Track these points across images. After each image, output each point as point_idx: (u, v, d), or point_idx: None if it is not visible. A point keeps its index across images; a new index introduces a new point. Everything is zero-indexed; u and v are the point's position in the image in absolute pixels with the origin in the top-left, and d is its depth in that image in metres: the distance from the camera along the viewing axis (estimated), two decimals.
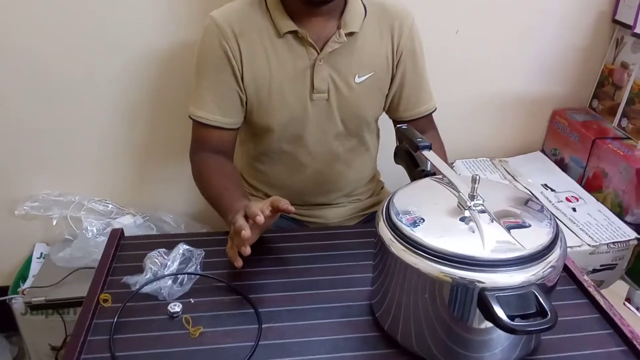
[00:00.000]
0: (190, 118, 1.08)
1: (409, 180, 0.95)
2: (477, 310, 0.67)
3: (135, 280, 0.86)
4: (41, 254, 1.53)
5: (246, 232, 0.82)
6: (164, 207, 1.57)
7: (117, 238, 0.98)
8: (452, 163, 1.55)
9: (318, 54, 1.03)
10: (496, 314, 0.62)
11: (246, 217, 0.87)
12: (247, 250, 0.84)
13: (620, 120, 1.50)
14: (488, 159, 1.60)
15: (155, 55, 1.37)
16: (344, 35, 1.03)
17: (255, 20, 1.03)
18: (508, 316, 0.63)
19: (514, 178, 1.51)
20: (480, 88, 1.56)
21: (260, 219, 0.84)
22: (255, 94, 1.05)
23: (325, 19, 1.03)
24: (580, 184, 1.49)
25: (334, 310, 0.84)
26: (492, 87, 1.57)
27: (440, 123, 1.23)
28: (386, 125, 1.25)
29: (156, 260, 0.89)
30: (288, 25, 1.01)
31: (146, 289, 0.85)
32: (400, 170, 1.08)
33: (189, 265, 0.90)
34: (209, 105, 1.05)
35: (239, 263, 0.88)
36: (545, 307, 0.63)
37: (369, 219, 1.28)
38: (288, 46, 1.03)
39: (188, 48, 1.33)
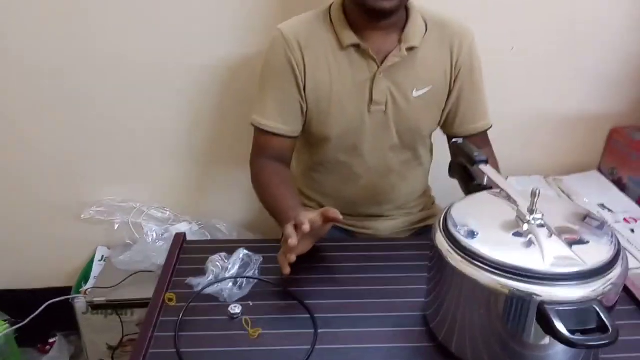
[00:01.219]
0: (253, 125, 1.13)
1: (461, 197, 0.96)
2: (534, 323, 0.67)
3: (198, 282, 0.91)
4: (102, 256, 1.60)
5: (292, 241, 0.86)
6: (218, 215, 1.62)
7: (180, 242, 1.03)
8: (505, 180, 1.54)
9: (378, 67, 1.06)
10: (556, 328, 0.62)
11: (296, 226, 0.90)
12: (292, 258, 0.88)
13: None
14: (542, 177, 1.58)
15: (218, 66, 1.42)
16: (404, 49, 1.05)
17: (319, 33, 1.07)
18: (567, 331, 0.63)
19: (569, 197, 1.49)
20: (535, 104, 1.55)
21: (306, 227, 0.87)
22: (315, 103, 1.10)
23: (386, 33, 1.06)
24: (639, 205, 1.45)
25: (388, 320, 0.86)
26: (547, 103, 1.56)
27: (494, 139, 1.23)
28: (439, 143, 1.26)
29: (217, 264, 0.93)
30: (351, 38, 1.05)
31: (208, 290, 0.89)
32: (452, 187, 1.09)
33: (248, 270, 0.94)
34: (272, 113, 1.10)
35: (286, 270, 0.91)
36: (607, 322, 0.63)
37: (420, 233, 1.28)
38: (350, 59, 1.07)
39: (250, 59, 1.39)
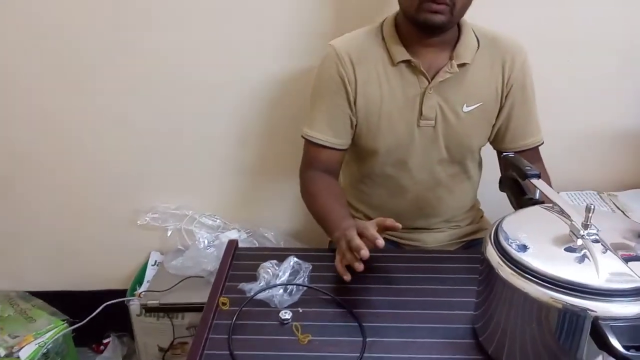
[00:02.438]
0: (303, 137, 1.16)
1: (509, 211, 0.96)
2: (587, 339, 0.66)
3: (250, 287, 0.94)
4: (155, 261, 1.66)
5: (366, 252, 0.87)
6: (266, 224, 1.65)
7: (233, 248, 1.07)
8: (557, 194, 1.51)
9: (429, 82, 1.08)
10: (611, 344, 0.62)
11: (360, 235, 0.91)
12: (362, 267, 0.89)
13: None
14: (595, 193, 1.54)
15: (269, 80, 1.46)
16: (455, 66, 1.06)
17: (371, 49, 1.10)
18: (622, 347, 0.62)
19: (624, 213, 1.45)
20: (590, 119, 1.52)
21: (382, 243, 0.87)
22: (365, 118, 1.12)
23: (438, 50, 1.08)
24: None
25: (437, 331, 0.86)
26: (602, 118, 1.52)
27: (546, 153, 1.22)
28: (488, 156, 1.26)
29: (269, 270, 0.96)
30: (402, 54, 1.07)
31: (260, 296, 0.92)
32: (501, 201, 1.08)
33: (298, 277, 0.96)
34: (322, 126, 1.13)
35: (348, 277, 0.93)
36: None
37: (467, 246, 1.28)
38: (400, 74, 1.09)
39: (302, 74, 1.43)
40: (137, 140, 1.55)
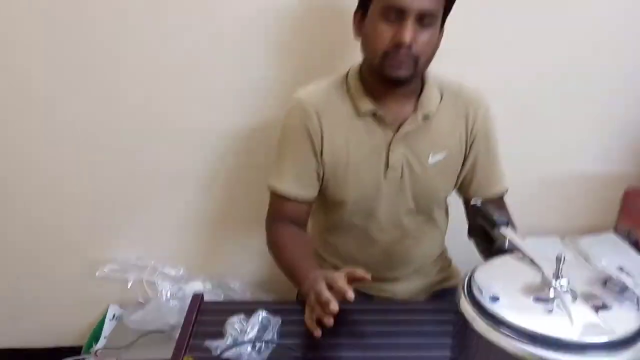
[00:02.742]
0: (269, 189, 1.14)
1: (477, 257, 0.95)
2: None
3: (216, 345, 0.89)
4: (114, 315, 1.59)
5: (335, 306, 0.84)
6: (231, 274, 1.62)
7: (198, 303, 1.02)
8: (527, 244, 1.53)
9: (394, 134, 1.08)
10: None
11: (329, 286, 0.89)
12: (331, 322, 0.86)
13: None
14: (558, 238, 1.57)
15: (234, 130, 1.46)
16: (420, 117, 1.08)
17: (336, 101, 1.10)
18: None
19: (587, 259, 1.47)
20: (549, 165, 1.57)
21: (351, 296, 0.85)
22: (332, 169, 1.11)
23: (403, 101, 1.09)
24: None
25: None
26: (559, 164, 1.57)
27: (508, 199, 1.23)
28: (455, 203, 1.27)
29: (236, 326, 0.92)
30: (367, 106, 1.08)
31: (227, 354, 0.88)
32: (468, 246, 1.08)
33: (267, 333, 0.92)
34: (288, 178, 1.12)
35: (318, 332, 0.90)
36: None
37: (438, 295, 1.27)
38: (366, 126, 1.09)
39: (266, 125, 1.43)
40: (96, 186, 1.51)
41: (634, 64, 1.47)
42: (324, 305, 0.86)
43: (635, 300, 0.73)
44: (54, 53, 1.35)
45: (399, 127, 1.08)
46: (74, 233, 1.55)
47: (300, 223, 1.17)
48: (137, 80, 1.39)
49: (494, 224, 0.88)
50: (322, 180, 1.13)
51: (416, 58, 0.99)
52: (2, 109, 1.40)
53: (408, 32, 0.95)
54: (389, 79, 1.02)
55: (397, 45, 0.97)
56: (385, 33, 0.98)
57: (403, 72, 1.00)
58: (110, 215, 1.54)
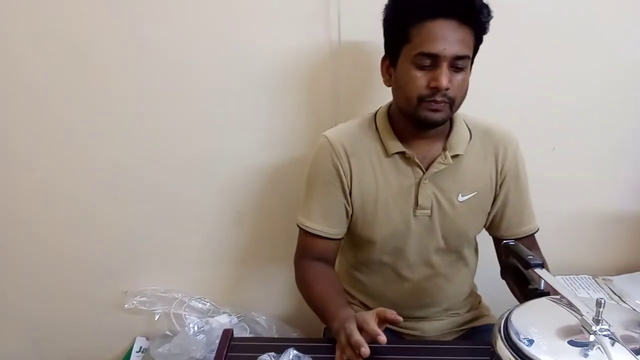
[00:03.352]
0: (298, 226, 1.15)
1: (507, 294, 0.94)
2: None
3: None
4: (140, 347, 1.59)
5: (367, 350, 0.84)
6: (257, 308, 1.61)
7: (228, 339, 1.02)
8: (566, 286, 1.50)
9: (423, 173, 1.09)
10: None
11: (359, 329, 0.88)
12: None
13: None
14: (590, 277, 1.54)
15: (263, 167, 1.48)
16: (449, 157, 1.08)
17: (365, 141, 1.11)
18: None
19: (621, 299, 1.44)
20: (578, 204, 1.54)
21: (384, 340, 0.85)
22: (361, 208, 1.12)
23: (431, 142, 1.09)
24: None
25: None
26: (591, 202, 1.55)
27: (539, 238, 1.22)
28: (483, 239, 1.26)
29: None
30: (396, 146, 1.08)
31: None
32: (498, 284, 1.07)
33: None
34: (317, 216, 1.13)
35: None
36: None
37: (467, 334, 1.25)
38: (395, 165, 1.10)
39: (296, 162, 1.44)
40: (126, 220, 1.53)
41: None
42: (355, 348, 0.85)
43: None
44: (70, 85, 1.39)
45: (428, 167, 1.09)
46: (105, 265, 1.56)
47: (329, 260, 1.17)
48: (166, 112, 1.42)
49: (528, 265, 0.87)
50: (350, 218, 1.14)
51: (452, 101, 1.00)
52: (36, 140, 1.44)
53: (444, 77, 0.96)
54: (425, 123, 1.03)
55: (434, 90, 0.98)
56: (420, 80, 0.99)
57: (439, 116, 1.01)
58: (139, 247, 1.56)
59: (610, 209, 1.56)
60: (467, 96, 1.06)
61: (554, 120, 1.45)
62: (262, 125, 1.44)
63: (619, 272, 1.57)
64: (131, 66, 1.37)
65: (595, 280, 1.53)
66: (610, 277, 1.53)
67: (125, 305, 1.54)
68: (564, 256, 1.56)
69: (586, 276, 1.54)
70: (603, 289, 1.48)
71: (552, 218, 1.47)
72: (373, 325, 0.87)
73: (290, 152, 1.45)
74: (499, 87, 1.39)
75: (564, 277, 1.52)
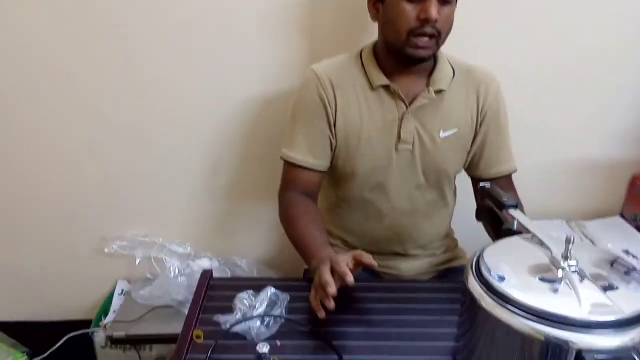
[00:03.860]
0: (283, 159, 1.16)
1: (482, 239, 0.95)
2: None
3: (225, 320, 0.91)
4: (122, 290, 1.61)
5: (332, 290, 0.86)
6: (238, 252, 1.63)
7: (207, 279, 1.03)
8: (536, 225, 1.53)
9: (407, 108, 1.10)
10: None
11: (332, 271, 0.90)
12: (332, 305, 0.87)
13: None
14: (565, 222, 1.58)
15: (244, 103, 1.45)
16: (433, 92, 1.09)
17: (351, 74, 1.12)
18: None
19: (593, 242, 1.48)
20: (558, 150, 1.56)
21: (351, 280, 0.86)
22: (344, 140, 1.12)
23: (416, 78, 1.10)
24: None
25: None
26: (568, 149, 1.57)
27: (516, 183, 1.24)
28: (461, 186, 1.28)
29: (245, 302, 0.93)
30: (381, 79, 1.09)
31: (236, 329, 0.89)
32: (474, 230, 1.09)
33: (275, 308, 0.94)
34: (301, 147, 1.13)
35: (322, 314, 0.90)
36: None
37: (443, 275, 1.28)
38: (380, 99, 1.11)
39: (277, 98, 1.43)
40: (105, 165, 1.51)
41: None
42: (324, 287, 0.87)
43: None
44: (58, 29, 1.35)
45: (411, 102, 1.10)
46: (84, 211, 1.56)
47: (313, 194, 1.18)
48: (146, 58, 1.38)
49: (503, 206, 0.89)
50: (334, 150, 1.15)
51: (439, 34, 1.02)
52: (18, 88, 1.40)
53: (434, 9, 0.98)
54: (412, 59, 1.04)
55: (423, 22, 0.99)
56: (410, 12, 1.00)
57: (427, 53, 1.04)
58: (119, 193, 1.55)
59: (587, 156, 1.58)
60: (451, 39, 1.06)
61: (536, 68, 1.45)
62: (243, 61, 1.40)
63: (593, 218, 1.61)
64: (108, 10, 1.32)
65: (569, 225, 1.56)
66: (583, 222, 1.57)
67: (106, 250, 1.55)
68: (540, 202, 1.58)
69: (560, 221, 1.58)
70: (576, 233, 1.52)
71: (531, 164, 1.48)
72: (343, 266, 0.88)
73: (271, 88, 1.43)
74: (484, 33, 1.38)
75: (539, 221, 1.55)
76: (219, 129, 1.48)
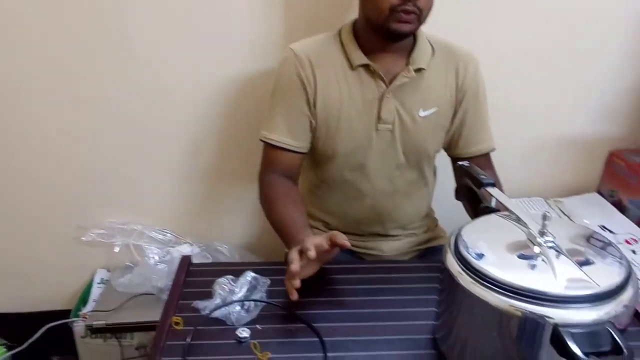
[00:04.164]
0: (262, 140, 1.14)
1: (462, 219, 0.96)
2: (548, 347, 0.67)
3: (204, 305, 0.90)
4: (102, 279, 1.59)
5: (294, 266, 0.86)
6: (219, 237, 1.61)
7: (186, 265, 1.02)
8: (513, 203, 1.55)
9: (387, 87, 1.09)
10: (572, 351, 0.62)
11: (301, 251, 0.89)
12: (297, 284, 0.87)
13: None
14: (542, 199, 1.59)
15: (222, 87, 1.43)
16: (412, 70, 1.08)
17: (330, 53, 1.10)
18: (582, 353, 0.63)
19: (570, 218, 1.50)
20: (535, 128, 1.57)
21: (312, 254, 0.86)
22: (324, 120, 1.11)
23: (395, 56, 1.09)
24: None
25: (398, 343, 0.85)
26: (546, 126, 1.58)
27: (495, 161, 1.24)
28: (441, 165, 1.28)
29: (225, 287, 0.92)
30: (361, 58, 1.08)
31: (215, 314, 0.89)
32: (454, 210, 1.10)
33: (255, 293, 0.93)
34: (281, 128, 1.12)
35: (293, 296, 0.89)
36: (621, 344, 0.63)
37: (424, 255, 1.29)
38: (359, 78, 1.09)
39: (254, 81, 1.40)
40: (79, 149, 1.47)
41: (617, 31, 1.46)
42: (288, 264, 0.87)
43: (618, 255, 0.75)
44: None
45: (391, 81, 1.09)
46: (60, 198, 1.52)
47: (293, 176, 1.16)
48: (122, 37, 1.34)
49: (481, 184, 0.89)
50: (314, 131, 1.13)
51: (420, 12, 1.00)
52: None
53: None
54: (394, 34, 1.03)
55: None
56: None
57: (409, 28, 1.02)
58: (95, 178, 1.51)
59: (564, 133, 1.59)
60: (431, 17, 1.05)
61: (514, 46, 1.44)
62: (221, 40, 1.37)
63: (570, 194, 1.63)
64: None
65: (547, 202, 1.58)
66: (560, 199, 1.59)
67: (83, 238, 1.52)
68: (518, 179, 1.59)
69: (538, 198, 1.60)
70: (554, 209, 1.54)
71: (509, 142, 1.49)
72: (308, 243, 0.87)
73: (250, 67, 1.40)
74: (464, 11, 1.37)
75: (518, 199, 1.57)
76: (197, 111, 1.45)
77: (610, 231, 1.44)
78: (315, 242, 0.90)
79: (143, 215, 1.57)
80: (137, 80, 1.40)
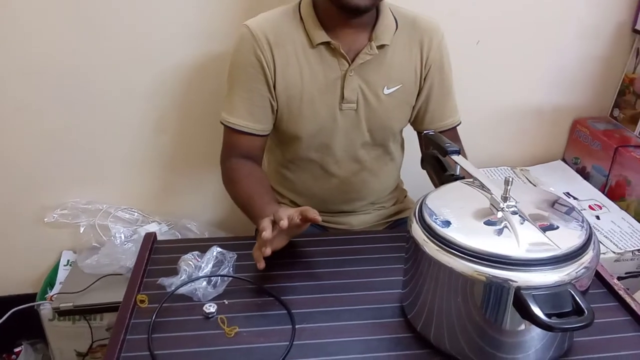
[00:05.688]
0: (222, 124, 1.11)
1: (432, 188, 0.96)
2: (511, 310, 0.68)
3: (170, 282, 0.88)
4: (68, 261, 1.55)
5: (266, 234, 0.85)
6: (188, 215, 1.59)
7: (150, 242, 1.00)
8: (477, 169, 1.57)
9: (349, 65, 1.06)
10: (534, 313, 0.63)
11: (273, 221, 0.89)
12: (267, 251, 0.86)
13: None
14: (509, 168, 1.61)
15: (183, 66, 1.40)
16: (375, 47, 1.05)
17: (289, 31, 1.05)
18: (544, 315, 0.64)
19: (536, 186, 1.52)
20: (501, 98, 1.58)
21: (284, 223, 0.85)
22: (286, 102, 1.08)
23: (357, 31, 1.05)
24: (603, 192, 1.49)
25: (366, 312, 0.85)
26: (512, 97, 1.59)
27: (461, 132, 1.24)
28: (409, 136, 1.27)
29: (190, 263, 0.91)
30: (321, 36, 1.04)
31: (181, 290, 0.87)
32: (424, 180, 1.10)
33: (222, 268, 0.92)
34: (241, 111, 1.08)
35: (261, 265, 0.89)
36: (582, 305, 0.64)
37: (393, 226, 1.29)
38: (320, 57, 1.06)
39: (216, 59, 1.37)
40: (41, 128, 1.42)
41: (582, 2, 1.48)
42: (260, 232, 0.86)
43: (581, 219, 0.76)
44: None
45: (354, 58, 1.06)
46: (19, 177, 1.47)
47: (256, 158, 1.14)
48: (82, 9, 1.29)
49: (446, 152, 0.89)
50: (276, 113, 1.10)
51: None
52: None
53: None
54: (351, 8, 0.97)
55: None
56: None
57: (365, 2, 0.97)
58: (56, 156, 1.46)
59: (529, 102, 1.61)
60: None
61: (480, 14, 1.44)
62: (181, 18, 1.34)
63: (536, 163, 1.66)
64: None
65: (514, 171, 1.60)
66: (527, 168, 1.61)
67: (45, 219, 1.48)
68: (485, 149, 1.61)
69: (505, 167, 1.62)
70: (520, 178, 1.56)
71: (475, 112, 1.49)
72: (281, 213, 0.87)
73: (209, 47, 1.37)
74: None
75: (484, 169, 1.59)
76: (158, 89, 1.41)
77: (575, 198, 1.47)
78: (288, 212, 0.89)
79: (108, 194, 1.53)
80: (99, 56, 1.35)
